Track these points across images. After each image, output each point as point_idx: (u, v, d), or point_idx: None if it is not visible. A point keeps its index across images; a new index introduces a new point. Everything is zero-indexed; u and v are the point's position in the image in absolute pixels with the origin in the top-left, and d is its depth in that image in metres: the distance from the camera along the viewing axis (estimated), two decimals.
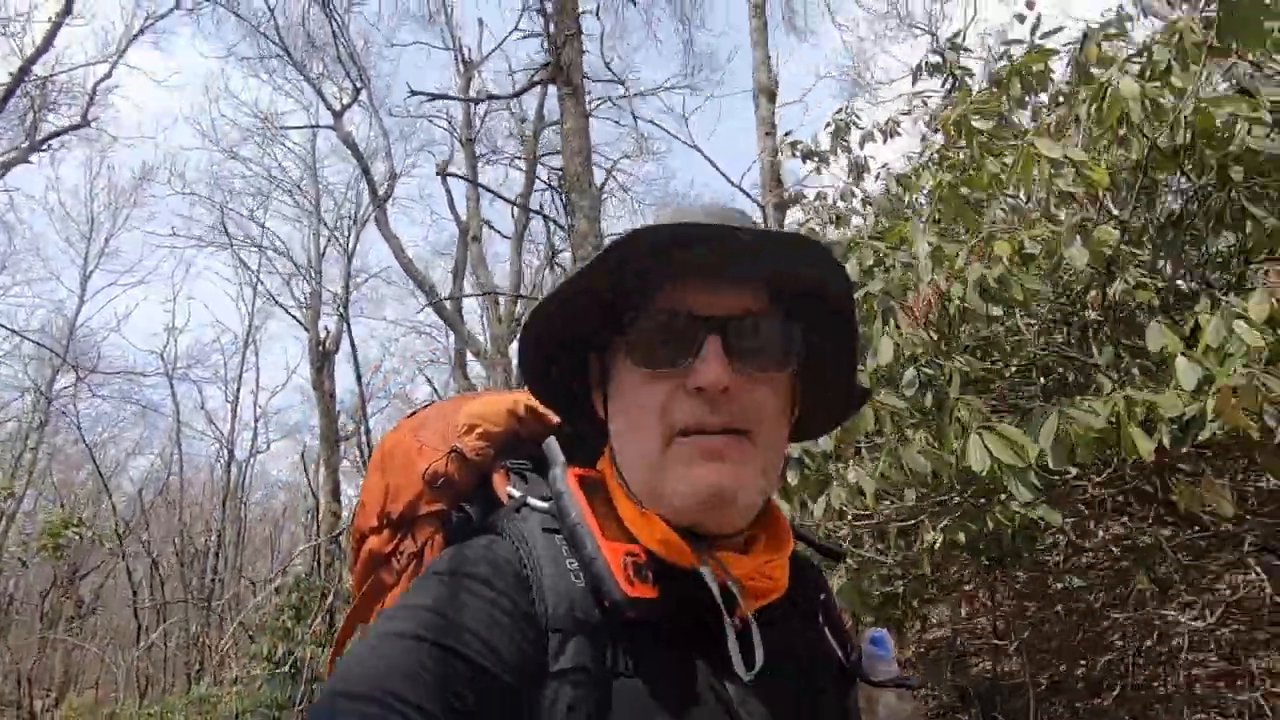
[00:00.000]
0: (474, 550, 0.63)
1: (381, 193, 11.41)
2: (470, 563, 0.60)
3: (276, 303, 14.36)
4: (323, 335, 12.31)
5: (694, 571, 0.61)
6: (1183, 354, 1.81)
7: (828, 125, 4.57)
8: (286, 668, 6.28)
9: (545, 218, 7.95)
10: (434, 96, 6.14)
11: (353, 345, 10.54)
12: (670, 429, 0.63)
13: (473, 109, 10.18)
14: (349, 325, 10.92)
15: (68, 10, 8.93)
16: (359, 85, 11.30)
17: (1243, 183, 2.28)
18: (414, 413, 0.85)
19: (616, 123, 11.71)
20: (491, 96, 8.09)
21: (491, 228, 12.48)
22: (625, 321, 0.66)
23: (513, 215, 9.88)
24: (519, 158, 10.38)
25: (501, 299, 9.86)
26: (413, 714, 0.49)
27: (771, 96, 3.27)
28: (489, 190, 8.40)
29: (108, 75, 12.12)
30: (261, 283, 15.07)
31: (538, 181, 8.97)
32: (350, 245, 13.29)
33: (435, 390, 13.07)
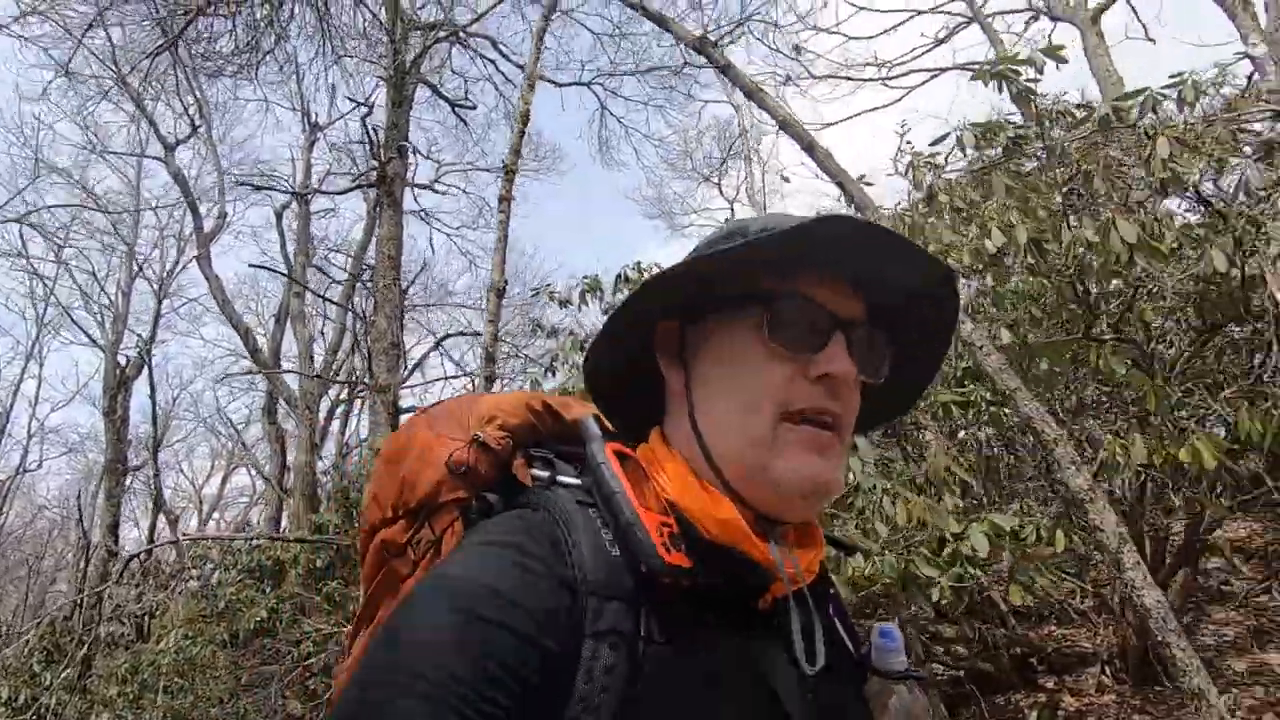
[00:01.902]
0: (505, 521, 0.64)
1: (208, 230, 11.50)
2: (502, 531, 0.62)
3: (74, 321, 13.58)
4: (123, 362, 11.94)
5: (729, 549, 0.63)
6: None
7: (576, 285, 5.94)
8: (30, 714, 6.34)
9: (351, 311, 8.73)
10: (259, 188, 6.82)
11: (152, 386, 10.46)
12: (782, 409, 0.66)
13: (310, 169, 10.77)
14: (151, 366, 10.81)
15: None
16: (197, 124, 11.43)
17: None
18: (423, 410, 0.87)
19: (464, 191, 12.73)
20: (319, 191, 8.84)
21: (319, 283, 12.91)
22: (757, 299, 0.67)
23: (326, 309, 10.35)
24: (335, 249, 11.05)
25: (320, 345, 10.37)
26: (469, 693, 0.50)
27: (500, 294, 4.49)
28: (302, 285, 9.02)
29: None
30: (56, 299, 14.16)
31: (352, 272, 9.72)
32: (164, 282, 12.97)
33: (236, 431, 12.98)
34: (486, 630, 0.53)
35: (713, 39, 3.89)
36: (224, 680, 7.50)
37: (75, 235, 13.68)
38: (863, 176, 4.51)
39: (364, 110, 6.75)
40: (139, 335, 11.78)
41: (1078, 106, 3.55)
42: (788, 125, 3.54)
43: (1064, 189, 3.36)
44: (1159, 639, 2.38)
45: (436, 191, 9.86)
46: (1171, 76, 3.23)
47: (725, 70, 3.68)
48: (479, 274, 15.37)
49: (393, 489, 0.78)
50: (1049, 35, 10.18)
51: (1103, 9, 9.12)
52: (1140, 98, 3.26)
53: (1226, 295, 2.85)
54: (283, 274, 9.21)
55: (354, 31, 7.18)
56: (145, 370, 10.89)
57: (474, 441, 0.73)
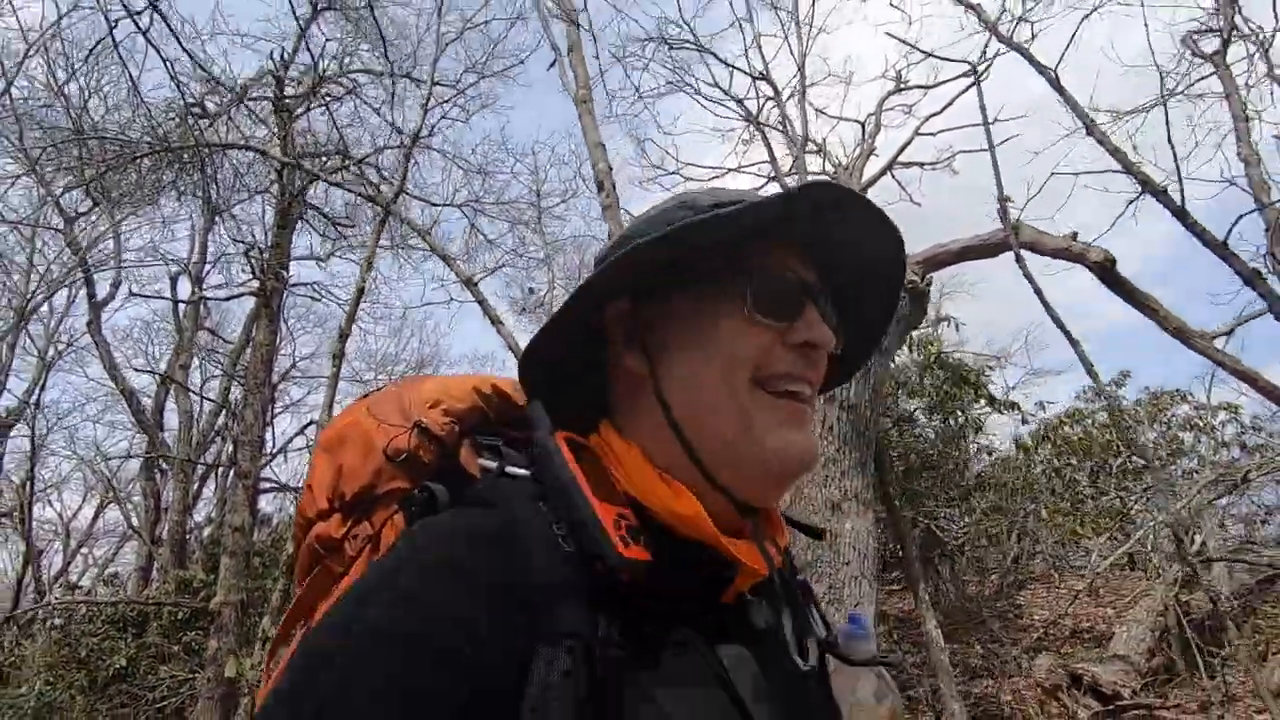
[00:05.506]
0: (440, 523, 0.59)
1: (101, 298, 12.39)
2: (437, 536, 0.57)
3: None
4: (2, 413, 12.49)
5: (691, 542, 0.60)
6: None
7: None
8: None
9: (223, 407, 9.96)
10: (146, 297, 8.05)
11: (34, 446, 11.19)
12: (759, 374, 0.63)
13: (206, 250, 12.01)
14: (35, 430, 11.53)
15: None
16: (98, 199, 12.37)
17: None
18: (367, 395, 0.81)
19: (356, 262, 14.13)
20: (204, 298, 10.09)
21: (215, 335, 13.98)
22: (722, 271, 0.65)
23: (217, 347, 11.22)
24: (223, 339, 12.23)
25: (198, 417, 11.48)
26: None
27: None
28: (182, 386, 10.23)
29: None
30: None
31: (226, 371, 10.90)
32: (50, 345, 13.49)
33: (109, 476, 13.66)
34: (411, 646, 0.48)
35: (477, 279, 5.83)
36: None
37: None
38: None
39: (245, 245, 8.22)
40: (13, 394, 12.24)
41: None
42: (516, 350, 5.43)
43: None
44: None
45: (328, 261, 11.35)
46: None
47: (481, 304, 5.57)
48: (365, 339, 16.63)
49: (329, 478, 0.74)
50: None
51: (869, 184, 11.78)
52: None
53: None
54: (159, 374, 10.35)
55: (241, 182, 8.67)
56: (28, 429, 11.59)
57: (415, 427, 0.70)
